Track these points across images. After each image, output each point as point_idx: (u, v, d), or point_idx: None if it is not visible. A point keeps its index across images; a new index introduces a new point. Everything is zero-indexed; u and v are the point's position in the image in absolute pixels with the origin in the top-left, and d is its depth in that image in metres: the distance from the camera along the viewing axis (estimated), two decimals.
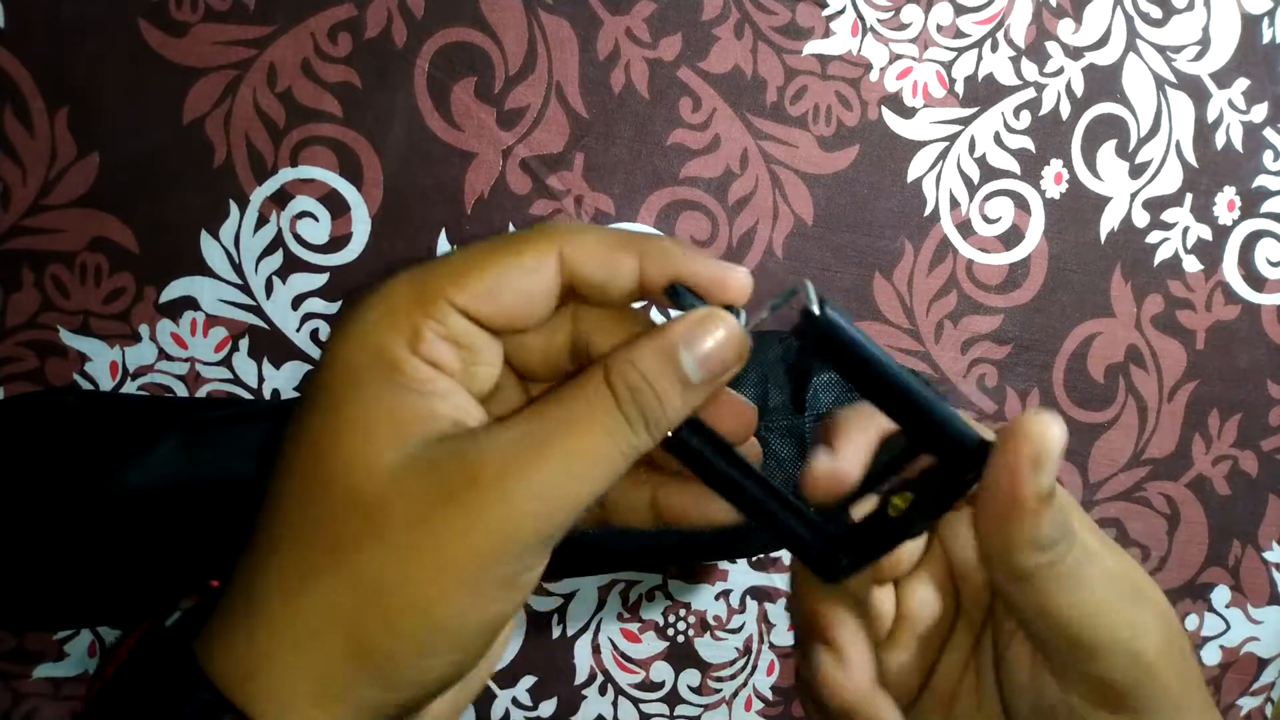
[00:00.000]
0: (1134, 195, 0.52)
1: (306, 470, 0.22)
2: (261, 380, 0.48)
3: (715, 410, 0.25)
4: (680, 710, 0.52)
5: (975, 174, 0.51)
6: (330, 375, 0.23)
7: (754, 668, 0.53)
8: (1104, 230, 0.52)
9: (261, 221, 0.47)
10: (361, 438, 0.22)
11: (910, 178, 0.50)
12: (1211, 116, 0.52)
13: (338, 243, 0.47)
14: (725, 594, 0.52)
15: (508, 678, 0.51)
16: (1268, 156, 0.52)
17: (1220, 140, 0.52)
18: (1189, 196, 0.52)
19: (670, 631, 0.52)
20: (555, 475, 0.22)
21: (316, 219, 0.47)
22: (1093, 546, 0.25)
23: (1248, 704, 0.56)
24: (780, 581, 0.52)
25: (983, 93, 0.50)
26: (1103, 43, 0.51)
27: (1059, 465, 0.24)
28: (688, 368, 0.23)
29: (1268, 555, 0.55)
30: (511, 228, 0.48)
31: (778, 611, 0.52)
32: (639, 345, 0.23)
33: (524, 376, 0.27)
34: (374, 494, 0.22)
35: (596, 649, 0.51)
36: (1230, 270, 0.53)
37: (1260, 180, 0.53)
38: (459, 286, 0.23)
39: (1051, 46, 0.50)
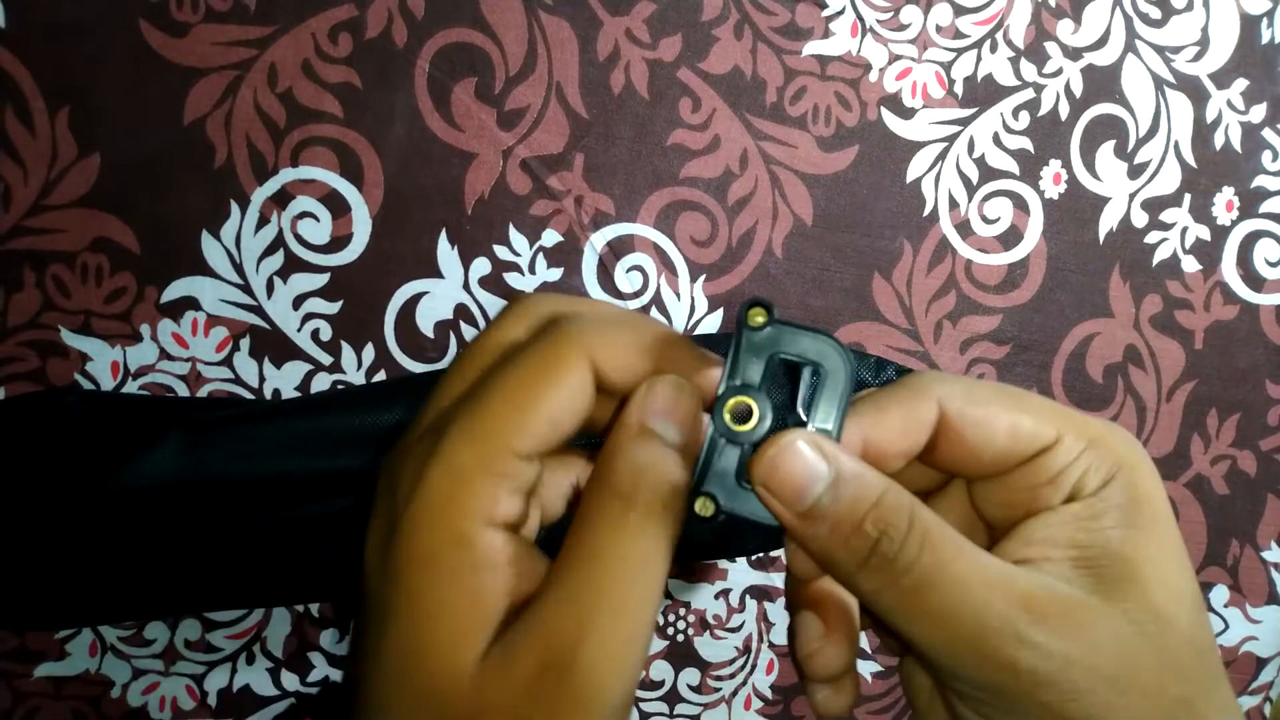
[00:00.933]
0: (1133, 195, 0.52)
1: (396, 675, 0.22)
2: (263, 380, 0.48)
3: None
4: (680, 709, 0.52)
5: (974, 174, 0.51)
6: (406, 560, 0.22)
7: (754, 667, 0.53)
8: (1103, 230, 0.52)
9: (262, 222, 0.47)
10: (445, 640, 0.22)
11: (909, 178, 0.50)
12: (1210, 117, 0.52)
13: (339, 243, 0.47)
14: (725, 593, 0.52)
15: None
16: (1266, 157, 0.52)
17: (1219, 141, 0.52)
18: (1188, 197, 0.52)
19: (670, 630, 0.52)
20: (608, 622, 0.21)
21: (317, 219, 0.47)
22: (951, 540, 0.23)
23: (1246, 703, 0.56)
24: (780, 580, 0.52)
25: (982, 93, 0.50)
26: (1102, 43, 0.51)
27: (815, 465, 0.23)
28: (667, 434, 0.23)
29: (1266, 555, 0.55)
30: (512, 228, 0.48)
31: (777, 610, 0.53)
32: (611, 442, 0.23)
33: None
34: (463, 706, 0.21)
35: None
36: (1229, 270, 0.53)
37: (1259, 180, 0.53)
38: (521, 434, 0.23)
39: (1050, 47, 0.51)
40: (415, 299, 0.48)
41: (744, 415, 0.24)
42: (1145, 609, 0.23)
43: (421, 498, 0.22)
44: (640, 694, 0.52)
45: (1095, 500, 0.24)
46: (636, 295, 0.49)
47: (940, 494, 0.28)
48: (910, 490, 0.26)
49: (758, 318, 0.24)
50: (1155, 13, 0.51)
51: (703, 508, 0.24)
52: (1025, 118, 0.51)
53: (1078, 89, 0.51)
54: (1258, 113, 0.52)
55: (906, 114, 0.50)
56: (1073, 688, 0.22)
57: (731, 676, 0.53)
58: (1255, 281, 0.53)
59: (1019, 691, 0.22)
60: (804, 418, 0.24)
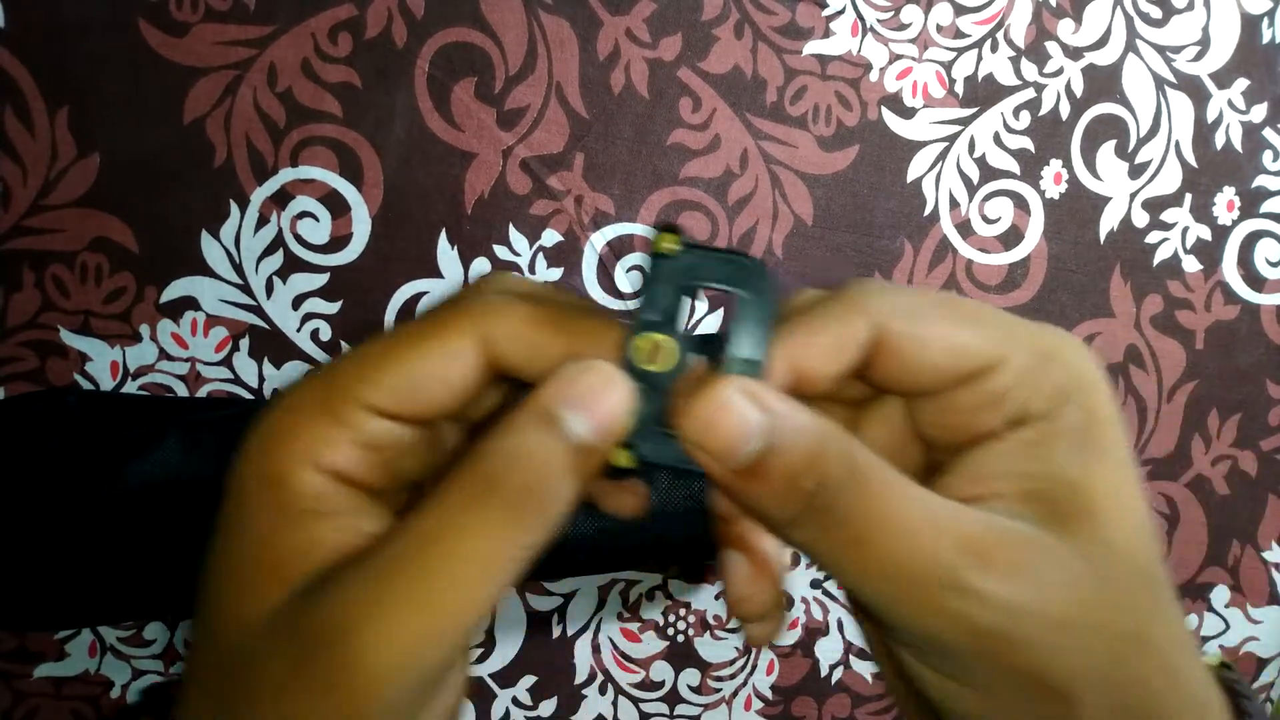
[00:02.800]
0: (1133, 195, 0.52)
1: (202, 618, 0.21)
2: (262, 380, 0.48)
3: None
4: (680, 710, 0.52)
5: (975, 174, 0.51)
6: (225, 501, 0.21)
7: (754, 667, 0.53)
8: (1103, 230, 0.52)
9: (262, 221, 0.47)
10: (236, 590, 0.20)
11: (910, 178, 0.50)
12: (1211, 117, 0.52)
13: (338, 243, 0.47)
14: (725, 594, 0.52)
15: (508, 677, 0.51)
16: (1267, 157, 0.52)
17: (1220, 140, 0.52)
18: (1188, 196, 0.52)
19: (670, 631, 0.52)
20: (417, 615, 0.19)
21: (317, 219, 0.47)
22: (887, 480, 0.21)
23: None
24: None
25: (982, 93, 0.50)
26: (1102, 43, 0.51)
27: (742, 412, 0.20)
28: (576, 428, 0.20)
29: (1267, 555, 0.55)
30: (512, 228, 0.48)
31: None
32: (507, 419, 0.20)
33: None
34: (248, 656, 0.20)
35: (596, 648, 0.51)
36: (1230, 270, 0.53)
37: (1260, 180, 0.53)
38: (370, 384, 0.21)
39: (1051, 47, 0.50)
40: (415, 299, 0.48)
41: (656, 352, 0.22)
42: (1100, 543, 0.21)
43: (251, 435, 0.21)
44: (641, 694, 0.52)
45: (1046, 424, 0.22)
46: (637, 296, 0.49)
47: (875, 407, 0.25)
48: (843, 402, 0.25)
49: (669, 244, 0.22)
50: (1156, 12, 0.51)
51: (622, 458, 0.21)
52: (1026, 117, 0.51)
53: (1078, 89, 0.51)
54: (1258, 112, 0.52)
55: (907, 114, 0.50)
56: (1017, 637, 0.20)
57: (732, 677, 0.52)
58: (1256, 281, 0.53)
59: (963, 645, 0.21)
60: (727, 350, 0.22)
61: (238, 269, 0.47)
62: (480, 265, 0.48)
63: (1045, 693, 0.21)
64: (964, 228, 0.51)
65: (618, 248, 0.49)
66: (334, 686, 0.19)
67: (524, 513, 0.19)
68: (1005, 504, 0.22)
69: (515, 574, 0.20)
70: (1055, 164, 0.51)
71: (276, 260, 0.47)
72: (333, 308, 0.48)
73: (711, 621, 0.52)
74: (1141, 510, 0.22)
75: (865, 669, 0.54)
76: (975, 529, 0.21)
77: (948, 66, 0.50)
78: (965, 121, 0.50)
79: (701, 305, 0.50)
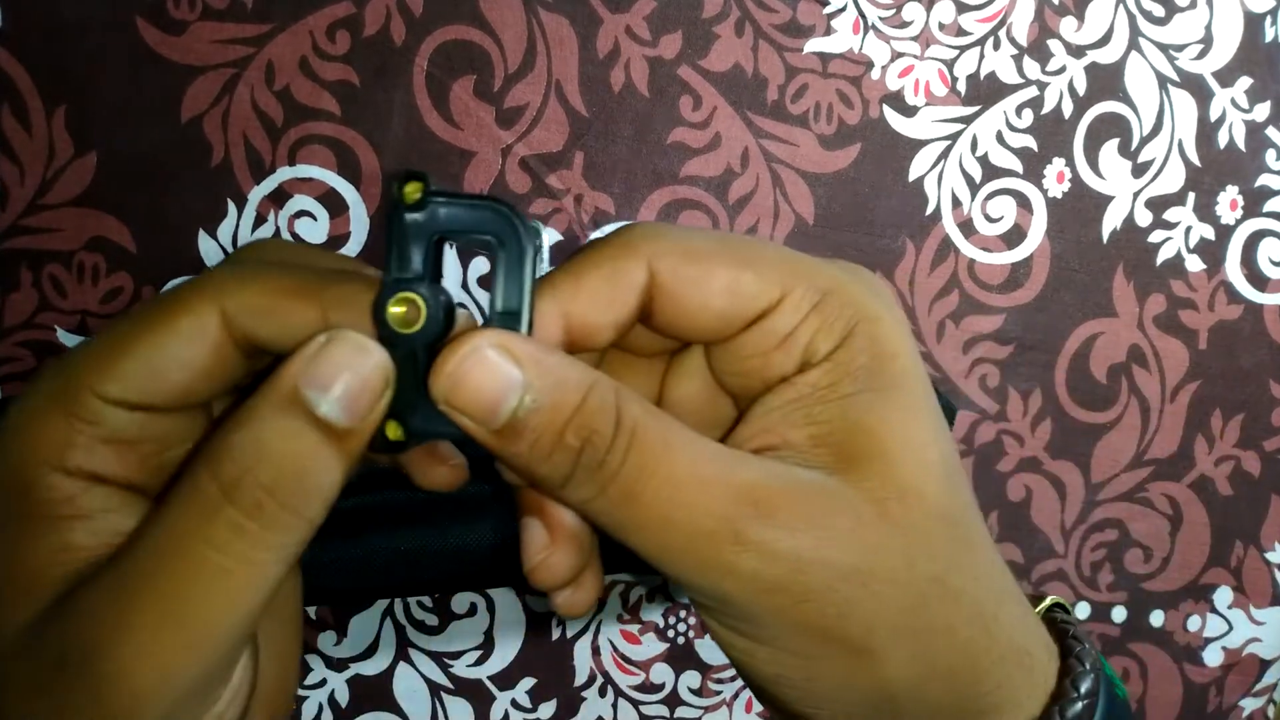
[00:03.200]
0: (1136, 194, 0.52)
1: None
2: None
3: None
4: (680, 712, 0.52)
5: (977, 173, 0.50)
6: None
7: None
8: (1106, 229, 0.52)
9: (259, 221, 0.47)
10: None
11: (912, 176, 0.50)
12: (1214, 115, 0.52)
13: (336, 242, 0.47)
14: None
15: (507, 680, 0.51)
16: (1270, 156, 0.52)
17: (1223, 139, 0.52)
18: (1191, 196, 0.52)
19: (670, 633, 0.52)
20: (149, 633, 0.17)
21: (315, 218, 0.47)
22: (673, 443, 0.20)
23: (1250, 705, 0.55)
24: None
25: (985, 91, 0.50)
26: (1105, 41, 0.51)
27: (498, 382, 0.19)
28: (330, 413, 0.18)
29: (1270, 556, 0.55)
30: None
31: None
32: (245, 409, 0.18)
33: None
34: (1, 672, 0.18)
35: (596, 651, 0.51)
36: (1233, 270, 0.53)
37: (1263, 179, 0.52)
38: (105, 375, 0.19)
39: (1054, 44, 0.50)
40: None
41: (415, 314, 0.20)
42: (889, 484, 0.20)
43: None
44: (641, 697, 0.52)
45: (830, 365, 0.21)
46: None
47: (680, 360, 0.24)
48: (647, 354, 0.24)
49: (413, 194, 0.20)
50: (1159, 10, 0.51)
51: (392, 431, 0.20)
52: (1028, 116, 0.50)
53: (1081, 87, 0.51)
54: (1261, 111, 0.52)
55: (909, 112, 0.50)
56: (804, 590, 0.19)
57: (732, 679, 0.52)
58: (1259, 281, 0.53)
59: (751, 601, 0.20)
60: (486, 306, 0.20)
61: None
62: (480, 264, 0.48)
63: (843, 646, 0.20)
64: (966, 227, 0.51)
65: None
66: (87, 710, 0.18)
67: (276, 512, 0.18)
68: (795, 451, 0.21)
69: (276, 576, 0.18)
70: (1058, 163, 0.51)
71: None
72: None
73: None
74: (937, 446, 0.21)
75: None
76: (754, 478, 0.20)
77: (950, 64, 0.50)
78: (967, 120, 0.50)
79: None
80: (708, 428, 0.23)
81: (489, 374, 0.19)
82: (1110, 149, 0.51)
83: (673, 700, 0.52)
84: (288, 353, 0.19)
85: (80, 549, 0.19)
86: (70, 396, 0.19)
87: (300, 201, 0.47)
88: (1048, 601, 0.26)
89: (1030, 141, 0.51)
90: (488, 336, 0.19)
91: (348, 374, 0.18)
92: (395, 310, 0.20)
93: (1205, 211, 0.52)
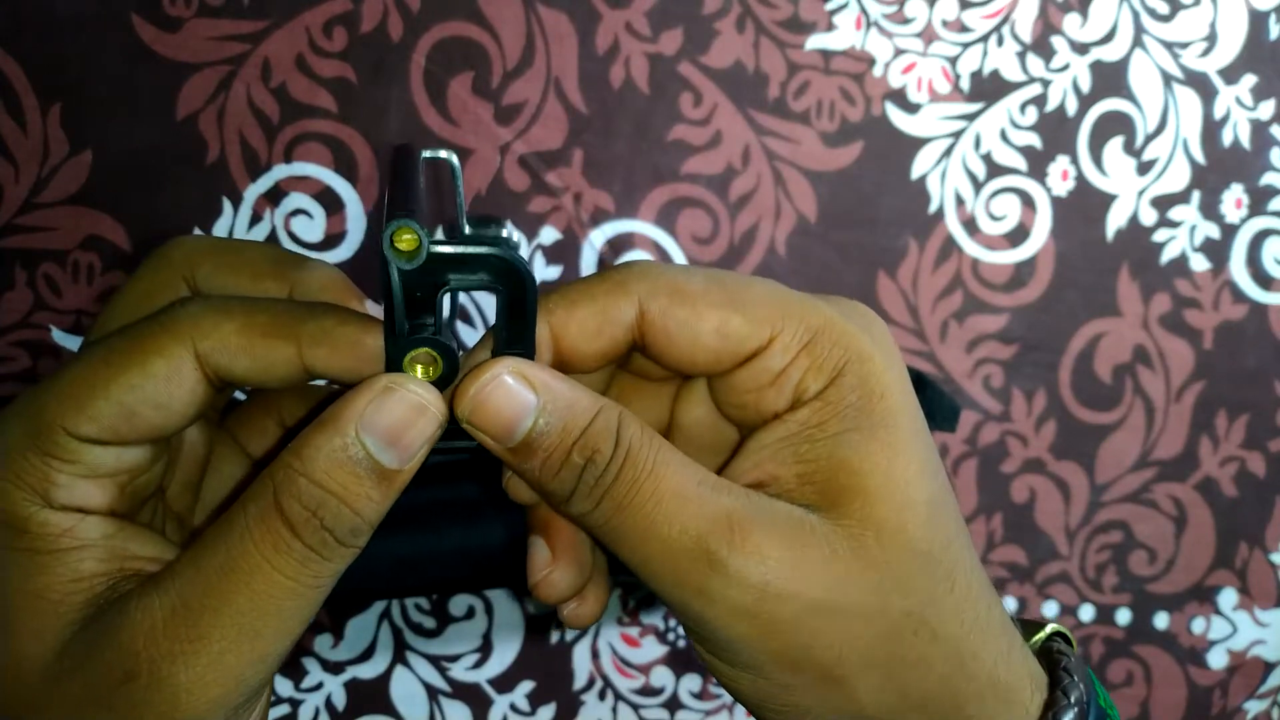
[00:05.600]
0: (1141, 193, 0.51)
1: None
2: None
3: None
4: (681, 715, 0.52)
5: (981, 171, 0.50)
6: None
7: None
8: (1111, 228, 0.51)
9: (255, 219, 0.46)
10: (7, 637, 0.20)
11: (915, 175, 0.50)
12: (1219, 113, 0.51)
13: (332, 240, 0.47)
14: None
15: (506, 683, 0.51)
16: (1275, 154, 0.52)
17: (1228, 137, 0.52)
18: (1196, 194, 0.52)
19: (670, 636, 0.51)
20: (225, 648, 0.19)
21: (311, 216, 0.47)
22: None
23: (1254, 707, 0.55)
24: None
25: (988, 88, 0.50)
26: (1109, 38, 0.50)
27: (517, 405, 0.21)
28: (382, 458, 0.20)
29: (1275, 558, 0.54)
30: (510, 226, 0.48)
31: None
32: (309, 448, 0.19)
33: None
34: (30, 704, 0.19)
35: (596, 654, 0.51)
36: (1238, 269, 0.52)
37: (1267, 178, 0.52)
38: (77, 415, 0.20)
39: (1058, 42, 0.50)
40: None
41: (426, 369, 0.21)
42: (867, 521, 0.21)
43: None
44: (640, 700, 0.52)
45: (820, 404, 0.22)
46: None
47: (691, 386, 0.25)
48: (657, 379, 0.25)
49: (407, 248, 0.20)
50: (1163, 7, 0.50)
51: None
52: (1032, 113, 0.50)
53: (1085, 84, 0.50)
54: (1266, 109, 0.52)
55: (912, 109, 0.49)
56: (772, 618, 0.21)
57: None
58: (1264, 280, 0.53)
59: (721, 623, 0.21)
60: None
61: None
62: None
63: (815, 674, 0.21)
64: (970, 225, 0.50)
65: (618, 245, 0.48)
66: (147, 718, 0.19)
67: (335, 547, 0.20)
68: (782, 488, 0.22)
69: (321, 599, 0.20)
70: (1062, 160, 0.51)
71: None
72: None
73: None
74: (923, 487, 0.22)
75: None
76: (733, 505, 0.21)
77: (953, 61, 0.49)
78: (971, 117, 0.50)
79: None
80: (712, 453, 0.24)
81: (507, 398, 0.21)
82: (1114, 147, 0.51)
83: (673, 704, 0.52)
84: (265, 385, 0.21)
85: (96, 575, 0.20)
86: (44, 436, 0.20)
87: (296, 199, 0.46)
88: (1048, 630, 0.26)
89: (1034, 139, 0.50)
90: (506, 364, 0.21)
91: (407, 428, 0.20)
92: (413, 365, 0.21)
93: (1210, 210, 0.52)
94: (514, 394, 0.21)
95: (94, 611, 0.20)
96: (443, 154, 0.21)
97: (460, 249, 0.20)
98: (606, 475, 0.21)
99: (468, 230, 0.22)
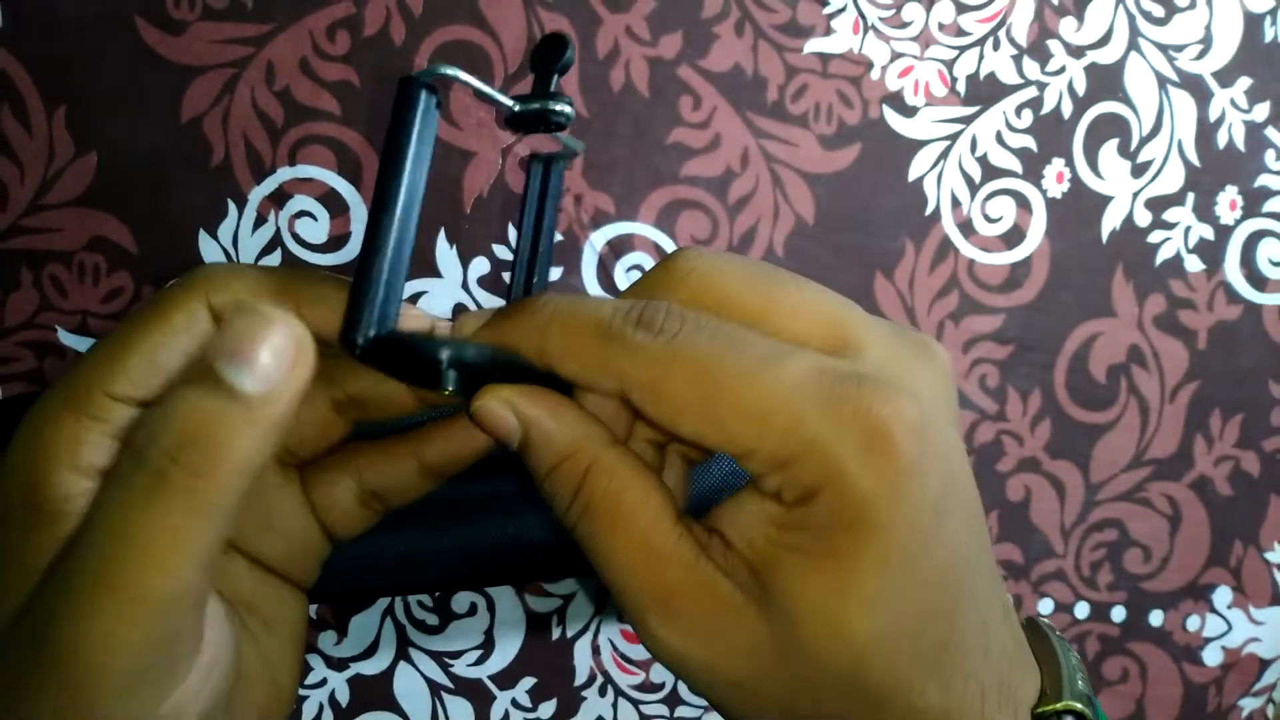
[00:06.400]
0: (1136, 194, 0.52)
1: None
2: None
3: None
4: (680, 712, 0.52)
5: (977, 173, 0.50)
6: None
7: None
8: (1106, 230, 0.52)
9: (260, 221, 0.47)
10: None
11: (911, 177, 0.50)
12: (1213, 116, 0.52)
13: (337, 242, 0.47)
14: None
15: (507, 679, 0.51)
16: (1270, 156, 0.52)
17: (1222, 139, 0.52)
18: (1191, 196, 0.52)
19: None
20: (96, 601, 0.19)
21: (315, 218, 0.47)
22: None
23: (1249, 705, 0.55)
24: None
25: (984, 91, 0.50)
26: (1104, 41, 0.51)
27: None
28: (239, 382, 0.19)
29: (1269, 556, 0.55)
30: (510, 227, 0.48)
31: None
32: (174, 387, 0.19)
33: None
34: None
35: (596, 650, 0.51)
36: (1232, 270, 0.53)
37: (1262, 180, 0.52)
38: (111, 374, 0.21)
39: (1053, 45, 0.50)
40: (413, 299, 0.48)
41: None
42: (789, 639, 0.21)
43: (12, 440, 0.21)
44: (641, 696, 0.52)
45: (789, 513, 0.21)
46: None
47: None
48: None
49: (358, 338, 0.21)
50: (1158, 10, 0.51)
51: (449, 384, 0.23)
52: (1028, 116, 0.50)
53: (1080, 87, 0.51)
54: (1261, 111, 0.52)
55: (909, 112, 0.50)
56: (690, 680, 0.23)
57: None
58: (1258, 281, 0.53)
59: (662, 663, 0.23)
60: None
61: None
62: (479, 265, 0.48)
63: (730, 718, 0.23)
64: (966, 227, 0.51)
65: (617, 247, 0.49)
66: (49, 683, 0.19)
67: (182, 478, 0.19)
68: (733, 559, 0.22)
69: (201, 542, 0.19)
70: (1057, 163, 0.51)
71: (275, 260, 0.47)
72: None
73: None
74: (862, 623, 0.21)
75: None
76: (675, 578, 0.22)
77: (949, 65, 0.50)
78: (967, 120, 0.50)
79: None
80: None
81: (495, 420, 0.23)
82: (1110, 149, 0.51)
83: (673, 700, 0.52)
84: None
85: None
86: (81, 396, 0.21)
87: (301, 202, 0.47)
88: (1061, 705, 0.24)
89: (1030, 142, 0.51)
90: (499, 393, 0.23)
91: (256, 342, 0.19)
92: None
93: (1205, 212, 0.52)
94: (498, 418, 0.23)
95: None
96: (444, 69, 0.23)
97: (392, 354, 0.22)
98: (569, 516, 0.23)
99: (516, 109, 0.25)
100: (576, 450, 0.23)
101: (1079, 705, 0.24)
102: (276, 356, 0.19)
